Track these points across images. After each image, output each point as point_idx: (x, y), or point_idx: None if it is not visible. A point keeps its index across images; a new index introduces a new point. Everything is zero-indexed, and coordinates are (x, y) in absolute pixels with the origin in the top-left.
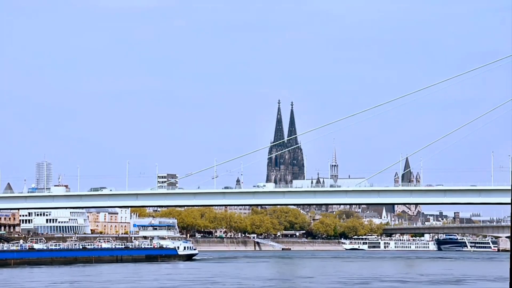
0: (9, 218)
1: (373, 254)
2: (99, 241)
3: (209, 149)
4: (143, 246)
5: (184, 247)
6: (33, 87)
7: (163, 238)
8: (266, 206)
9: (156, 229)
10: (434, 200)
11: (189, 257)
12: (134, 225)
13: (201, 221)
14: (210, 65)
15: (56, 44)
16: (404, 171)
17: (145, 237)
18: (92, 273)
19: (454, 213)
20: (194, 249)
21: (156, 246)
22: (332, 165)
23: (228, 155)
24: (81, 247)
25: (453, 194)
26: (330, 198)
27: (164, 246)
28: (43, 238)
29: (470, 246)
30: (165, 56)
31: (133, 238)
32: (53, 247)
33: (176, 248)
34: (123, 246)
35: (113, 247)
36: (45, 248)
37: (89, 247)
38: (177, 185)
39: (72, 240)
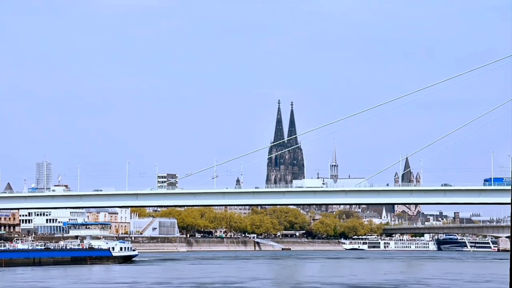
0: (9, 218)
1: (377, 254)
2: (15, 241)
3: (209, 149)
4: (68, 247)
5: (121, 248)
6: (32, 87)
7: (97, 237)
8: (266, 206)
9: (88, 227)
10: (434, 200)
11: (126, 259)
12: (64, 224)
13: (201, 221)
14: (210, 65)
15: (56, 44)
16: (404, 171)
17: (77, 237)
18: None
19: (454, 213)
20: (134, 250)
21: (85, 247)
22: (332, 165)
23: (228, 155)
24: None
25: (453, 194)
26: (330, 198)
27: (96, 247)
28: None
29: (470, 246)
30: (165, 55)
31: (61, 238)
32: None
33: (110, 249)
34: (43, 247)
35: (30, 248)
36: None
37: None
38: (177, 185)
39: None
